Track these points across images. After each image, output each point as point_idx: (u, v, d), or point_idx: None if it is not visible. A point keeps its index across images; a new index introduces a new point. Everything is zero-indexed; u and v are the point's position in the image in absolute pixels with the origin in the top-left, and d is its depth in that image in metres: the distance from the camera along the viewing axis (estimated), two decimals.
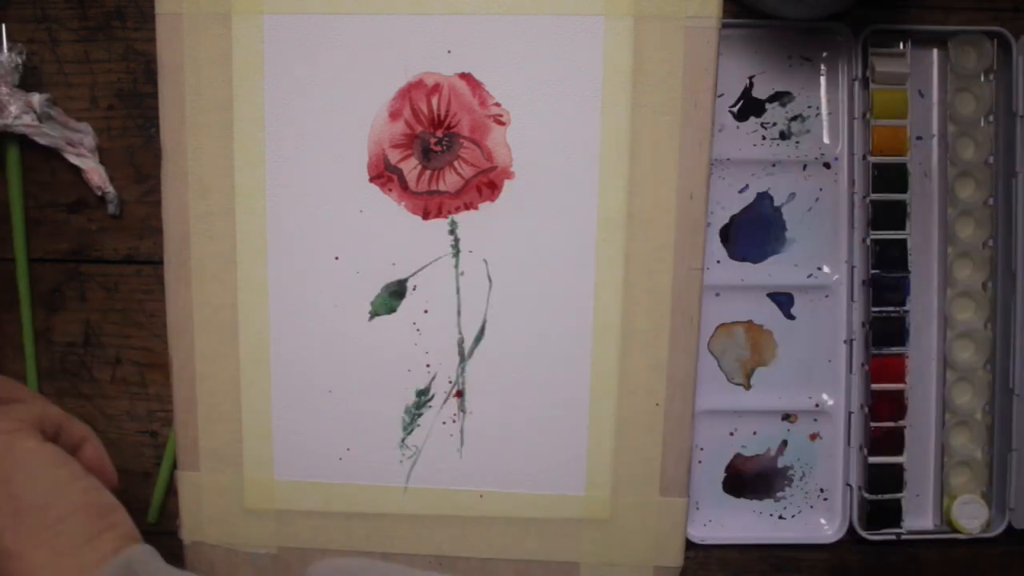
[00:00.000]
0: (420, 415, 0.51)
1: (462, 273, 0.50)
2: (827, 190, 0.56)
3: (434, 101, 0.49)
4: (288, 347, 0.50)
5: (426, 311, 0.50)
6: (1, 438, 0.40)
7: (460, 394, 0.50)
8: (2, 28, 0.54)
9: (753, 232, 0.56)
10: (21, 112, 0.52)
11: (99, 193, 0.55)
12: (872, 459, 0.55)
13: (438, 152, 0.49)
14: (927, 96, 0.56)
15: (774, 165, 0.56)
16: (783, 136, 0.56)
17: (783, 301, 0.57)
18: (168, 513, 0.58)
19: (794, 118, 0.56)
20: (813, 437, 0.57)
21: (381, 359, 0.50)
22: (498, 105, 0.48)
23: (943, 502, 0.57)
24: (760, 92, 0.56)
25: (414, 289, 0.50)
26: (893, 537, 0.56)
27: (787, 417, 0.57)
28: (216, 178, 0.49)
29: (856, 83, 0.55)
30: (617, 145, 0.48)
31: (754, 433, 0.57)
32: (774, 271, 0.56)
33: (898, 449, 0.55)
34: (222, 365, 0.50)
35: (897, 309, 0.55)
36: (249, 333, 0.50)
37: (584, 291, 0.49)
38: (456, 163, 0.49)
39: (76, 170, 0.55)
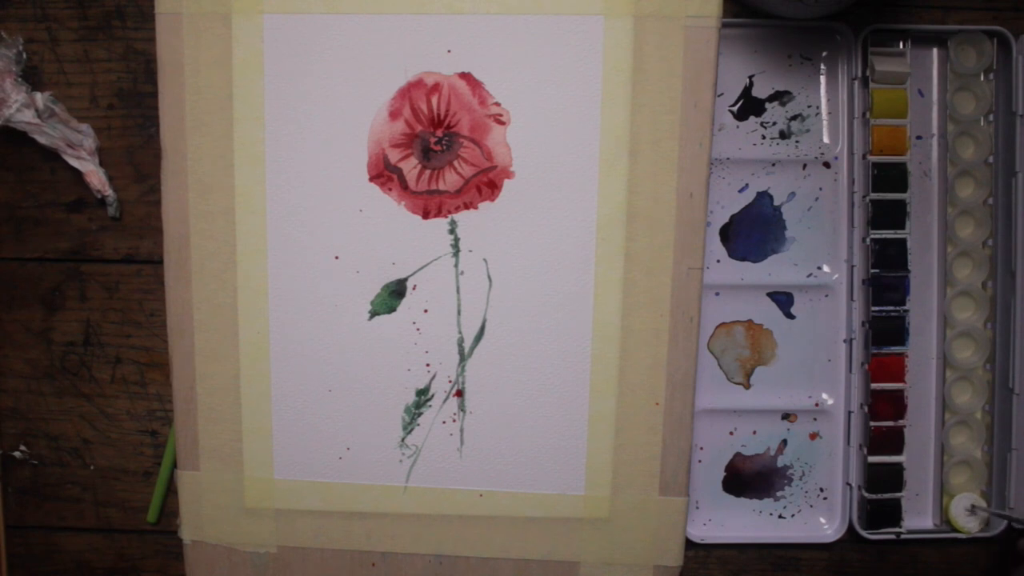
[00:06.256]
0: (420, 414, 0.51)
1: (462, 272, 0.50)
2: (827, 189, 0.56)
3: (434, 100, 0.49)
4: (288, 347, 0.50)
5: (426, 310, 0.50)
6: None
7: (460, 393, 0.50)
8: None
9: (753, 231, 0.56)
10: (23, 105, 0.52)
11: (99, 196, 0.55)
12: (872, 458, 0.55)
13: (438, 152, 0.49)
14: (927, 95, 0.56)
15: (774, 164, 0.56)
16: (783, 135, 0.56)
17: (783, 300, 0.57)
18: (168, 513, 0.58)
19: (794, 117, 0.56)
20: (813, 436, 0.57)
21: (381, 358, 0.50)
22: (498, 105, 0.48)
23: (943, 501, 0.57)
24: (760, 91, 0.56)
25: (414, 288, 0.50)
26: (893, 536, 0.56)
27: (787, 416, 0.57)
28: (216, 178, 0.49)
29: (856, 82, 0.55)
30: (617, 145, 0.48)
31: (754, 432, 0.57)
32: (774, 270, 0.56)
33: (898, 448, 0.55)
34: (222, 365, 0.50)
35: (897, 308, 0.55)
36: (249, 333, 0.50)
37: (584, 291, 0.49)
38: (456, 162, 0.49)
39: (76, 169, 0.55)
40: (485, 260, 0.49)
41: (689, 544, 0.56)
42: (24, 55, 0.54)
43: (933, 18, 0.56)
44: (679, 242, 0.49)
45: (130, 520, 0.58)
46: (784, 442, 0.57)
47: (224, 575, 0.52)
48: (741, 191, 0.56)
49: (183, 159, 0.49)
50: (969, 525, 0.56)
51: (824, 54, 0.56)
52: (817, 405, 0.57)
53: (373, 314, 0.50)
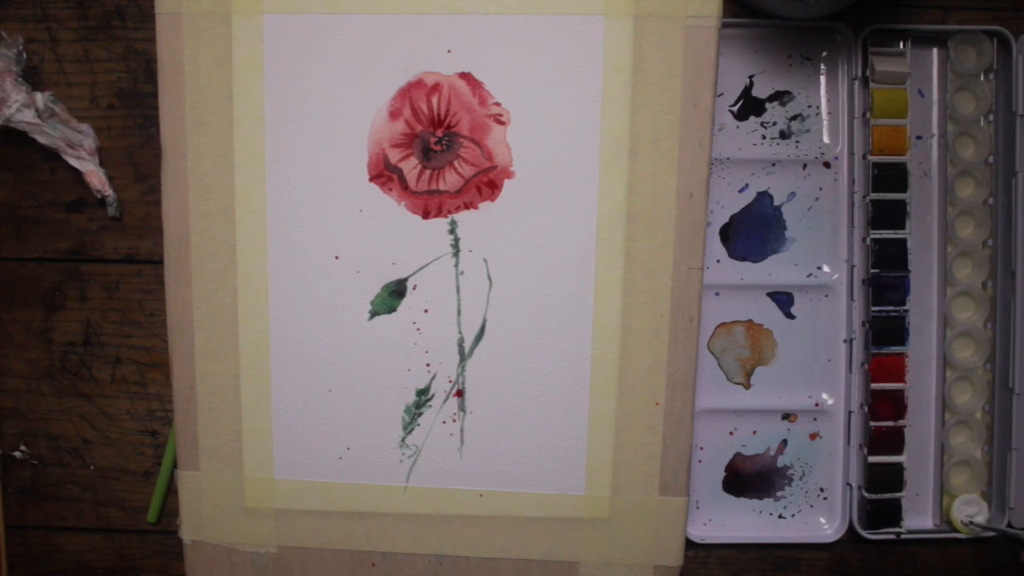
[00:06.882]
0: (420, 414, 0.51)
1: (462, 272, 0.50)
2: (827, 189, 0.56)
3: (434, 100, 0.49)
4: (288, 347, 0.50)
5: (426, 310, 0.50)
6: None
7: (460, 393, 0.50)
8: None
9: (753, 231, 0.56)
10: (23, 105, 0.52)
11: (99, 196, 0.55)
12: (872, 458, 0.55)
13: (438, 152, 0.49)
14: (927, 95, 0.56)
15: (774, 164, 0.56)
16: (783, 135, 0.56)
17: (783, 300, 0.57)
18: (168, 513, 0.58)
19: (794, 117, 0.56)
20: (813, 436, 0.57)
21: (381, 358, 0.50)
22: (498, 105, 0.48)
23: (943, 501, 0.57)
24: (760, 91, 0.56)
25: (414, 288, 0.50)
26: (893, 537, 0.56)
27: (787, 416, 0.57)
28: (216, 178, 0.49)
29: (856, 82, 0.55)
30: (617, 145, 0.48)
31: (754, 432, 0.57)
32: (774, 270, 0.56)
33: (898, 448, 0.55)
34: (222, 365, 0.50)
35: (897, 308, 0.55)
36: (249, 333, 0.50)
37: (584, 291, 0.49)
38: (456, 162, 0.49)
39: (76, 169, 0.55)
40: (485, 260, 0.49)
41: (689, 544, 0.56)
42: (24, 55, 0.54)
43: (933, 18, 0.56)
44: (679, 242, 0.49)
45: (130, 520, 0.58)
46: (784, 442, 0.57)
47: (224, 575, 0.52)
48: (741, 191, 0.56)
49: (183, 159, 0.49)
50: (970, 527, 0.56)
51: (824, 54, 0.56)
52: (817, 405, 0.57)
53: (373, 314, 0.50)
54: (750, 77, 0.56)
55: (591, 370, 0.50)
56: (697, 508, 0.57)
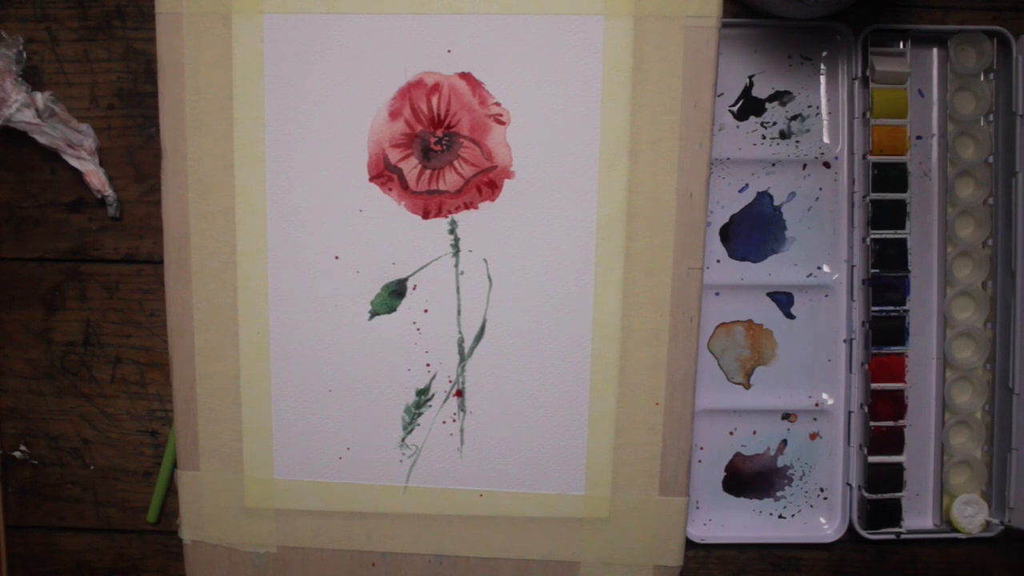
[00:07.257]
0: (420, 414, 0.51)
1: (462, 272, 0.50)
2: (827, 189, 0.56)
3: (434, 100, 0.49)
4: (288, 347, 0.50)
5: (426, 310, 0.50)
6: None
7: (460, 393, 0.50)
8: None
9: (753, 231, 0.56)
10: (23, 105, 0.52)
11: (99, 196, 0.55)
12: (872, 458, 0.55)
13: (438, 152, 0.49)
14: (927, 95, 0.56)
15: (774, 164, 0.56)
16: (783, 135, 0.56)
17: (783, 300, 0.57)
18: (168, 513, 0.58)
19: (794, 117, 0.56)
20: (813, 436, 0.57)
21: (381, 358, 0.50)
22: (498, 105, 0.48)
23: (943, 501, 0.57)
24: (760, 91, 0.56)
25: (414, 288, 0.50)
26: (893, 537, 0.56)
27: (787, 416, 0.57)
28: (216, 178, 0.49)
29: (856, 82, 0.55)
30: (617, 145, 0.48)
31: (754, 432, 0.57)
32: (774, 270, 0.56)
33: (898, 448, 0.55)
34: (222, 365, 0.50)
35: (897, 308, 0.55)
36: (249, 333, 0.50)
37: (584, 291, 0.49)
38: (456, 162, 0.49)
39: (76, 169, 0.55)
40: (485, 260, 0.49)
41: (689, 544, 0.56)
42: (24, 55, 0.54)
43: (933, 18, 0.56)
44: (679, 242, 0.49)
45: (130, 520, 0.58)
46: (784, 442, 0.57)
47: (224, 575, 0.52)
48: (741, 191, 0.56)
49: (183, 159, 0.49)
50: (970, 526, 0.56)
51: (824, 54, 0.56)
52: (817, 405, 0.57)
53: (373, 314, 0.50)
54: (750, 77, 0.56)
55: (591, 370, 0.50)
56: (697, 508, 0.57)
